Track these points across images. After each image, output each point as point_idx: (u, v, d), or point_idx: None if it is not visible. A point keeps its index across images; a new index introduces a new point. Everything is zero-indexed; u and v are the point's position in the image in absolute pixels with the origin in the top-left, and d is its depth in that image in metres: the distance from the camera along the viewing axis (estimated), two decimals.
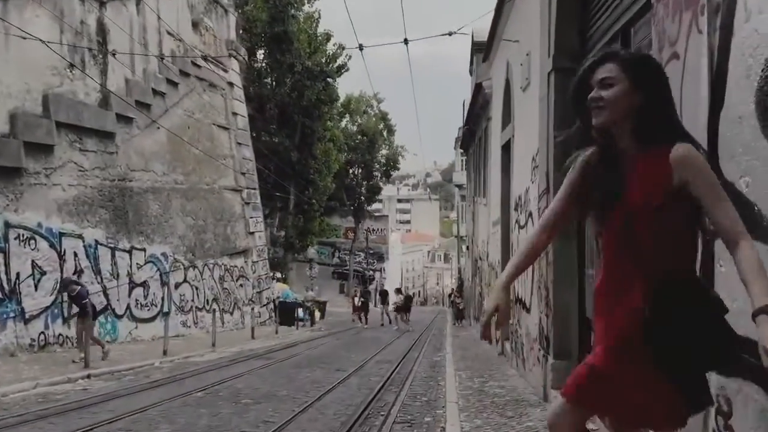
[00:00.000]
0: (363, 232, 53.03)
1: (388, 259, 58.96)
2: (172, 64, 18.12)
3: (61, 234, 13.01)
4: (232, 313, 21.19)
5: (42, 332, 12.21)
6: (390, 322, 24.65)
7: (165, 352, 12.41)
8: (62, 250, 12.98)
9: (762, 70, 2.34)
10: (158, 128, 16.74)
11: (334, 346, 15.88)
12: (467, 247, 26.47)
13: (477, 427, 5.53)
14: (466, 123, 22.20)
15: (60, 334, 12.65)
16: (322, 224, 42.35)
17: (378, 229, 58.24)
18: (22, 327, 11.69)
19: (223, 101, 21.69)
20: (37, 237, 12.28)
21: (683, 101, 2.88)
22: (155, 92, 17.06)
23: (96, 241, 14.12)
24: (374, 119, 50.27)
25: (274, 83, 32.88)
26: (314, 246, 39.48)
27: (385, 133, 50.42)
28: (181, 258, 17.95)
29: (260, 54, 32.88)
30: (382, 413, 6.63)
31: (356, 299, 25.79)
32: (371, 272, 53.33)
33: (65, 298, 12.16)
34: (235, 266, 21.64)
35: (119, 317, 14.90)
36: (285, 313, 23.29)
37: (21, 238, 11.88)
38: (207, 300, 19.36)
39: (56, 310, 12.59)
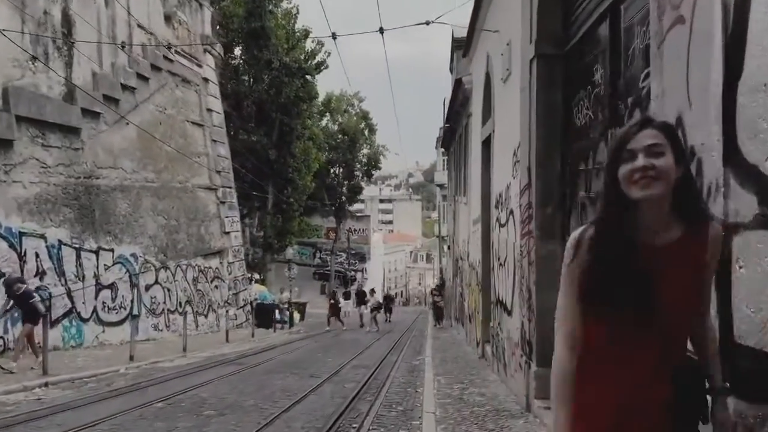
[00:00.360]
0: (345, 232, 52.53)
1: (370, 260, 58.46)
2: (143, 58, 17.47)
3: (22, 234, 12.36)
4: (206, 316, 20.54)
5: (0, 337, 11.60)
6: (362, 326, 23.35)
7: (132, 358, 11.84)
8: (23, 251, 12.35)
9: None
10: (127, 124, 16.09)
11: (311, 350, 15.39)
12: (448, 247, 26.08)
13: None
14: (447, 121, 21.77)
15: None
16: (302, 224, 41.74)
17: (360, 230, 57.75)
18: None
19: (197, 97, 21.05)
20: None
21: (690, 71, 2.45)
22: (124, 87, 16.40)
23: (60, 241, 13.48)
24: (355, 118, 49.71)
25: (251, 80, 32.24)
26: (293, 246, 38.77)
27: (366, 133, 49.89)
28: (152, 259, 17.31)
29: (237, 50, 32.21)
30: (355, 425, 6.19)
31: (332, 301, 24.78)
32: (353, 273, 52.76)
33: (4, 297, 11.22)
34: (210, 267, 20.99)
35: (85, 321, 14.24)
36: (262, 316, 22.72)
37: None
38: (180, 302, 18.71)
39: (16, 314, 11.91)
